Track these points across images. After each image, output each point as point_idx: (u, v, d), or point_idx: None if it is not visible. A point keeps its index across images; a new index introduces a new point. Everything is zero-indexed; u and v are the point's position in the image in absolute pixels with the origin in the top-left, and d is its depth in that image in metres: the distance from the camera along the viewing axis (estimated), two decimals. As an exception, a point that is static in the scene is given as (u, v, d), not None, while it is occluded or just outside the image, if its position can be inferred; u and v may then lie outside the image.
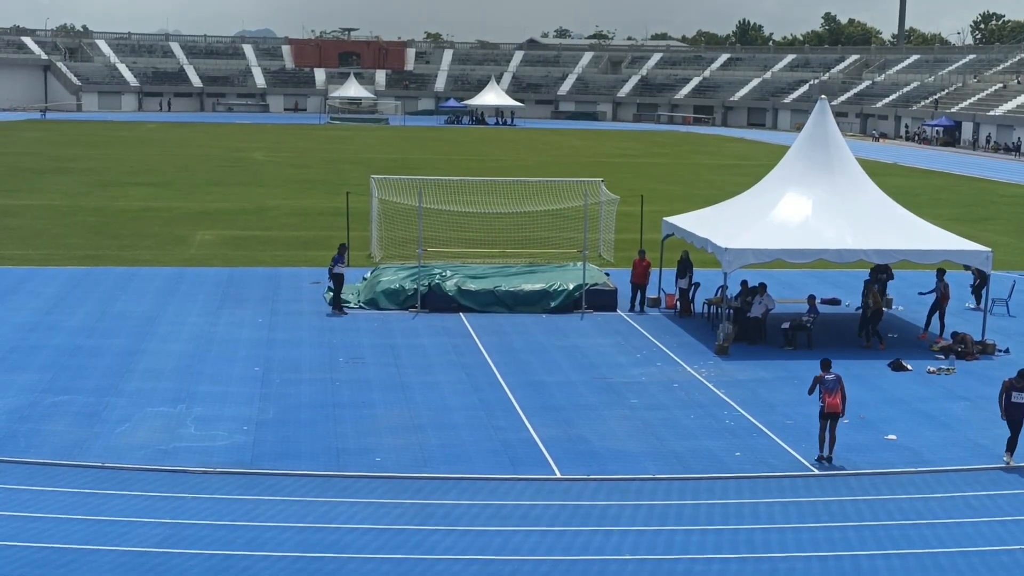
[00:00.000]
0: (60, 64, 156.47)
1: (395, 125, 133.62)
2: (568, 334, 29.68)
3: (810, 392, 20.70)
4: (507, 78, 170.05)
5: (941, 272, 30.25)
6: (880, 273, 30.69)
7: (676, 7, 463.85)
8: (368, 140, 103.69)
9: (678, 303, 32.36)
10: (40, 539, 16.12)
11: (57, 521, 16.82)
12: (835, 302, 33.62)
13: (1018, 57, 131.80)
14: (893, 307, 32.85)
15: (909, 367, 26.95)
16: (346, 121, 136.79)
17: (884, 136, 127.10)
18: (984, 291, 30.84)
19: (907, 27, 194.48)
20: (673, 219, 33.58)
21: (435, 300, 31.96)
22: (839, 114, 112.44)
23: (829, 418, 20.15)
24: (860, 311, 29.87)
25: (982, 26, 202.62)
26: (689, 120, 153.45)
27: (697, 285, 32.49)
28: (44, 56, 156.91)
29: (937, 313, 30.20)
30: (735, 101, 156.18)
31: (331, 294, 32.35)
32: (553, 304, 32.12)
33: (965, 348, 28.18)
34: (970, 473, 20.09)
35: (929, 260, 29.61)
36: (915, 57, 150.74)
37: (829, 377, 20.26)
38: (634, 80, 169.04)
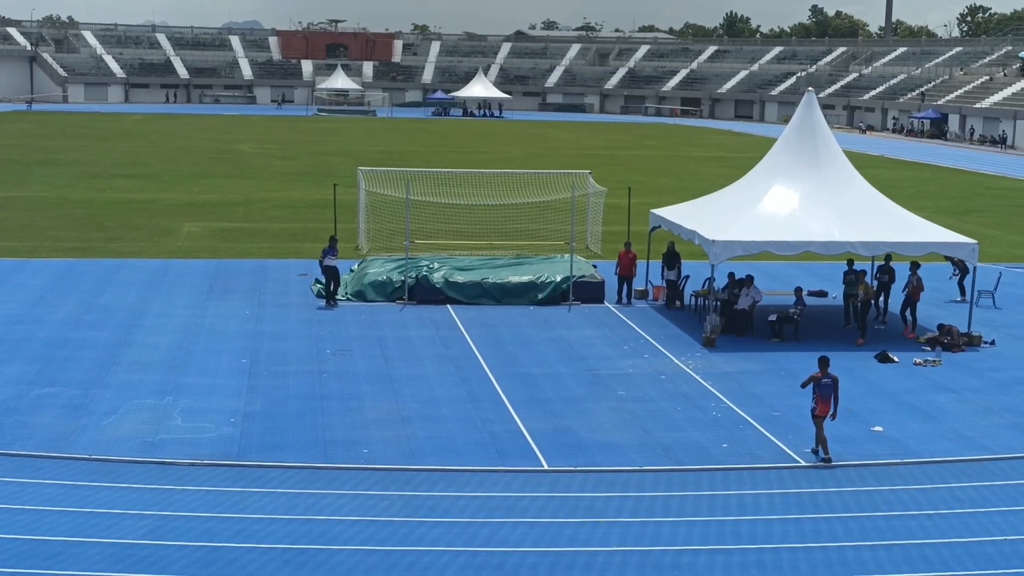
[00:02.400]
0: (46, 55, 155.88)
1: (382, 117, 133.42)
2: (555, 326, 29.70)
3: (803, 386, 20.43)
4: (494, 70, 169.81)
5: (915, 265, 30.28)
6: (883, 275, 30.74)
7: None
8: (355, 132, 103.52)
9: (665, 294, 32.45)
10: (27, 531, 16.09)
11: (44, 513, 16.79)
12: (822, 294, 33.68)
13: (1004, 50, 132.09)
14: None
15: (896, 359, 27.04)
16: (333, 113, 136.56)
17: (871, 128, 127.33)
18: (971, 283, 30.88)
19: (894, 20, 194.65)
20: (661, 211, 33.60)
21: (423, 292, 31.96)
22: (826, 106, 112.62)
23: (821, 419, 20.03)
24: (853, 302, 29.81)
25: (969, 19, 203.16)
26: (677, 112, 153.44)
27: (687, 277, 32.55)
28: (30, 47, 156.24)
29: (910, 306, 30.22)
30: (722, 93, 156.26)
31: (319, 286, 32.34)
32: (541, 296, 32.14)
33: (951, 340, 28.27)
34: (956, 465, 20.16)
35: (915, 252, 29.69)
36: (902, 50, 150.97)
37: (826, 381, 19.96)
38: (622, 72, 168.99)
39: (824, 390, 19.93)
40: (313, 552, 15.73)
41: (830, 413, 20.02)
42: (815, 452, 20.19)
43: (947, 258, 32.48)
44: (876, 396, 24.15)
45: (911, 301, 30.02)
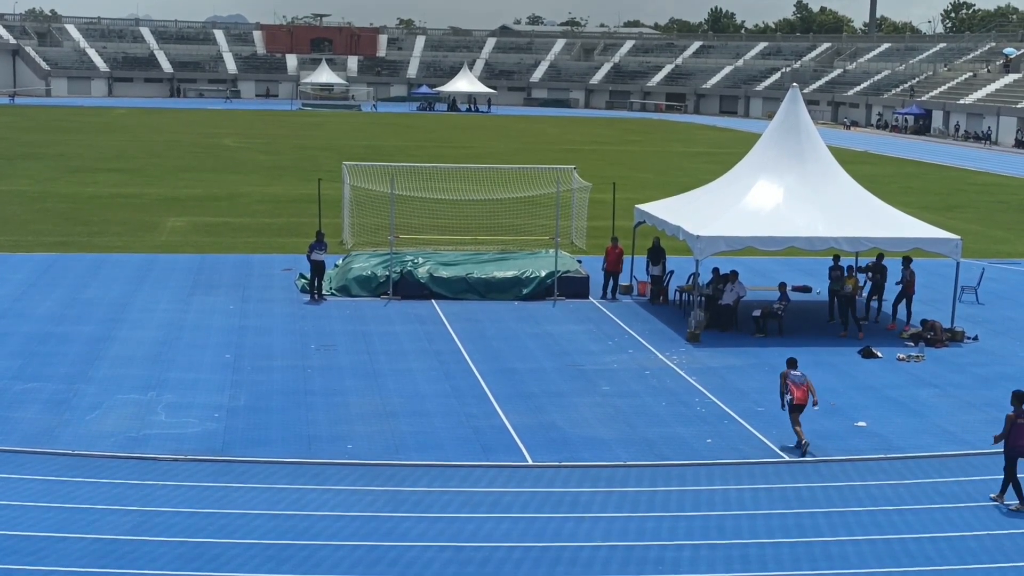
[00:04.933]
0: (29, 48, 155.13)
1: (368, 111, 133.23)
2: (540, 321, 29.70)
3: (782, 394, 20.41)
4: (479, 65, 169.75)
5: (907, 260, 30.41)
6: (875, 273, 30.80)
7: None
8: (340, 127, 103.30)
9: (650, 290, 32.49)
10: (9, 527, 16.03)
11: (26, 509, 16.73)
12: (806, 289, 33.76)
13: (988, 46, 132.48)
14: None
15: (879, 354, 27.11)
16: (318, 107, 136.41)
17: (855, 124, 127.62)
18: (954, 278, 30.90)
19: (878, 15, 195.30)
20: (645, 207, 33.63)
21: (407, 287, 31.92)
22: (810, 102, 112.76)
23: (798, 410, 20.25)
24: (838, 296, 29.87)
25: (952, 15, 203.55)
26: (661, 108, 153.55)
27: (671, 273, 32.60)
28: (13, 40, 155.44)
29: (904, 301, 30.43)
30: (707, 89, 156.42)
31: (303, 281, 32.28)
32: (525, 291, 32.14)
33: (934, 335, 28.36)
34: (938, 460, 20.24)
35: (899, 248, 29.80)
36: (886, 46, 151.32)
37: (796, 373, 20.39)
38: (607, 67, 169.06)
39: (797, 379, 20.27)
40: (297, 548, 15.71)
41: (812, 401, 20.27)
42: (798, 446, 20.24)
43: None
44: (859, 391, 24.22)
45: (906, 294, 30.19)
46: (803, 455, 20.02)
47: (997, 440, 18.25)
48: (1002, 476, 18.18)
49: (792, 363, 20.65)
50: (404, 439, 20.35)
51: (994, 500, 18.22)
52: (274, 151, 76.61)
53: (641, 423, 21.68)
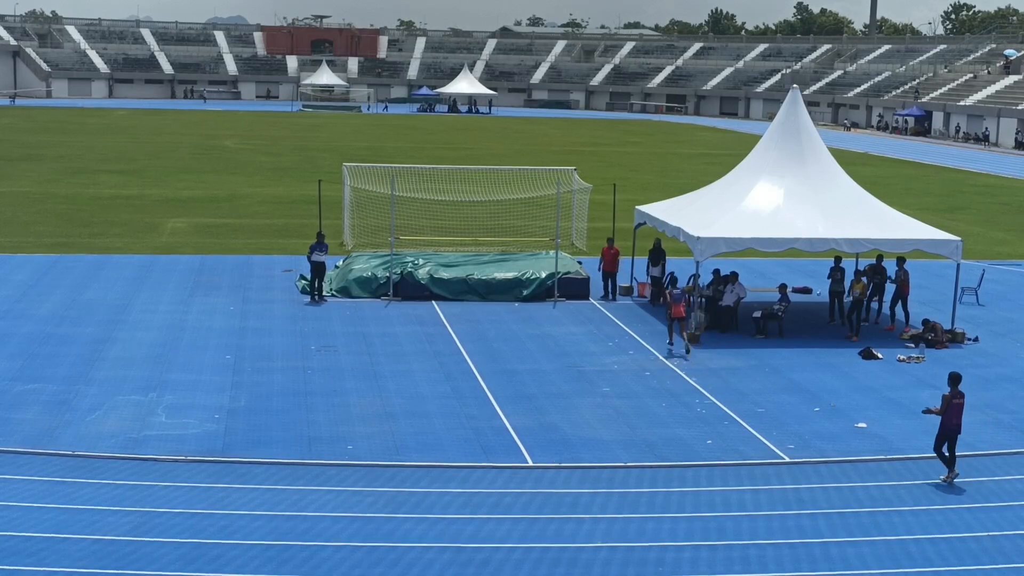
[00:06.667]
0: (30, 50, 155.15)
1: (369, 113, 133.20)
2: (540, 322, 29.70)
3: (662, 301, 26.90)
4: (480, 66, 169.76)
5: (901, 260, 30.38)
6: (876, 275, 30.78)
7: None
8: (341, 128, 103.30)
9: (650, 291, 32.48)
10: (10, 528, 16.03)
11: (27, 510, 16.73)
12: (807, 291, 33.76)
13: (988, 47, 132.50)
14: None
15: (880, 355, 27.12)
16: (318, 109, 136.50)
17: (855, 126, 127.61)
18: (955, 280, 30.93)
19: (878, 17, 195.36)
20: (645, 208, 33.64)
21: (407, 288, 31.92)
22: (811, 103, 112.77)
23: (676, 321, 26.54)
24: (847, 299, 29.86)
25: (953, 16, 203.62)
26: (662, 109, 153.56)
27: (671, 275, 32.53)
28: (13, 42, 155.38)
29: (900, 302, 30.41)
30: (708, 90, 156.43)
31: (303, 282, 32.28)
32: (526, 292, 32.14)
33: (935, 336, 28.36)
34: (939, 461, 20.21)
35: (900, 249, 29.79)
36: (886, 47, 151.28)
37: (676, 291, 26.67)
38: (607, 69, 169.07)
39: (676, 297, 26.36)
40: (297, 548, 15.71)
41: (685, 316, 26.21)
42: (670, 346, 26.05)
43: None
44: (860, 392, 24.23)
45: (901, 294, 30.18)
46: (669, 344, 25.83)
47: (932, 412, 19.11)
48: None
49: (672, 281, 27.49)
50: (404, 440, 20.36)
51: (944, 480, 18.89)
52: (275, 152, 76.62)
53: (641, 424, 21.68)
